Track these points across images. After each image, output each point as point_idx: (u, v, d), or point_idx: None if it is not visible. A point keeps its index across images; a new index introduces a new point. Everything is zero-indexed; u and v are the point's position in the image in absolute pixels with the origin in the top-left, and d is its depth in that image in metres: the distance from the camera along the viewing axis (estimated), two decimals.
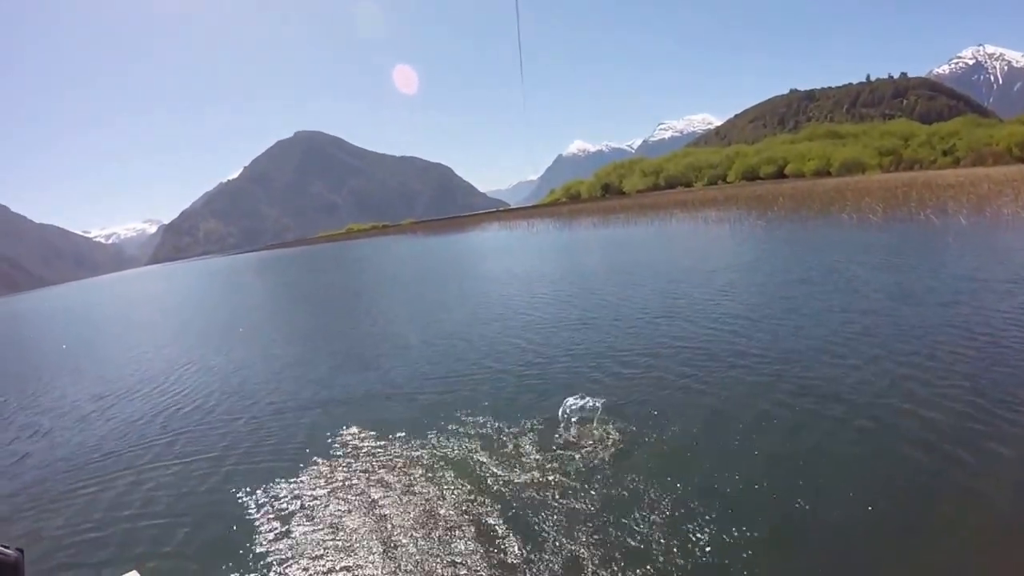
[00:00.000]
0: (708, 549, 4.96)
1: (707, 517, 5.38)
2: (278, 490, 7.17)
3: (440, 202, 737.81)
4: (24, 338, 35.19)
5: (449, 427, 8.29)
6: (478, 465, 7.04)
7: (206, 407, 11.56)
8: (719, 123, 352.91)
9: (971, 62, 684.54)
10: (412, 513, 6.13)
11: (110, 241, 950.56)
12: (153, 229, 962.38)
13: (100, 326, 34.65)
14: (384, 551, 5.54)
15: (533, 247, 38.65)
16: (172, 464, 8.88)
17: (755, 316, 12.37)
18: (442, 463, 7.21)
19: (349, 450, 8.16)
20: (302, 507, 6.66)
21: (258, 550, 5.89)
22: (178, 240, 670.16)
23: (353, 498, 6.68)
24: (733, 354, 9.99)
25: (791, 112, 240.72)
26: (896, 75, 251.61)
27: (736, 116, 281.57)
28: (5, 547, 2.04)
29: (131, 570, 3.73)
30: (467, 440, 7.83)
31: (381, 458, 7.64)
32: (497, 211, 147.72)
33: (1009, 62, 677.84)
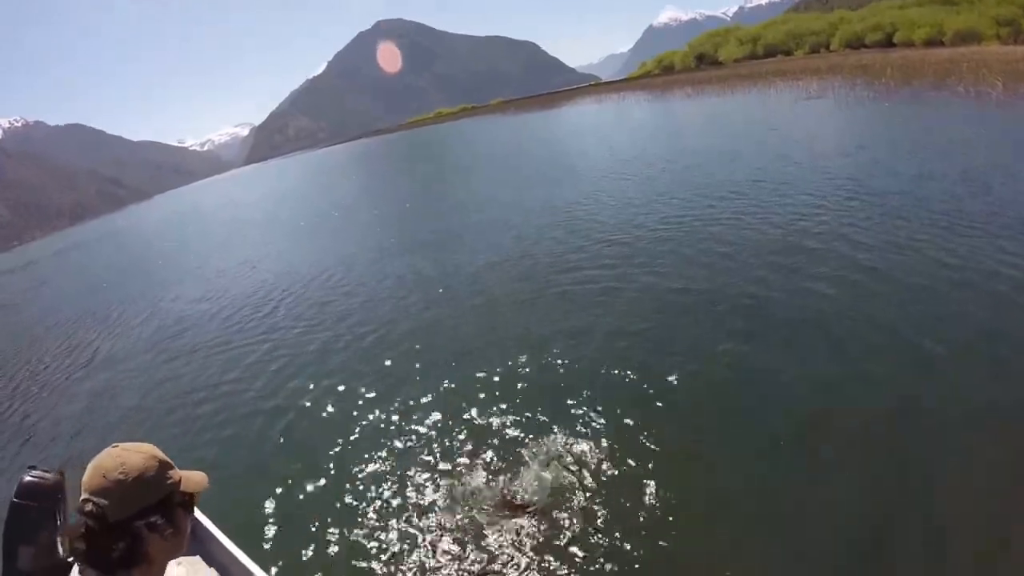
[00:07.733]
0: None
1: None
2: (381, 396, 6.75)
3: (531, 81, 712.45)
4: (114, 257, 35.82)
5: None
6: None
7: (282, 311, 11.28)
8: None
9: None
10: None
11: (205, 148, 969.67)
12: (245, 132, 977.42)
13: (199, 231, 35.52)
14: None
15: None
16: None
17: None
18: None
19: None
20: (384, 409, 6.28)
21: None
22: (270, 139, 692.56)
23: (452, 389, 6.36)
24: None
25: None
26: None
27: None
28: (45, 471, 2.04)
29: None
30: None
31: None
32: (587, 86, 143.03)
33: None
